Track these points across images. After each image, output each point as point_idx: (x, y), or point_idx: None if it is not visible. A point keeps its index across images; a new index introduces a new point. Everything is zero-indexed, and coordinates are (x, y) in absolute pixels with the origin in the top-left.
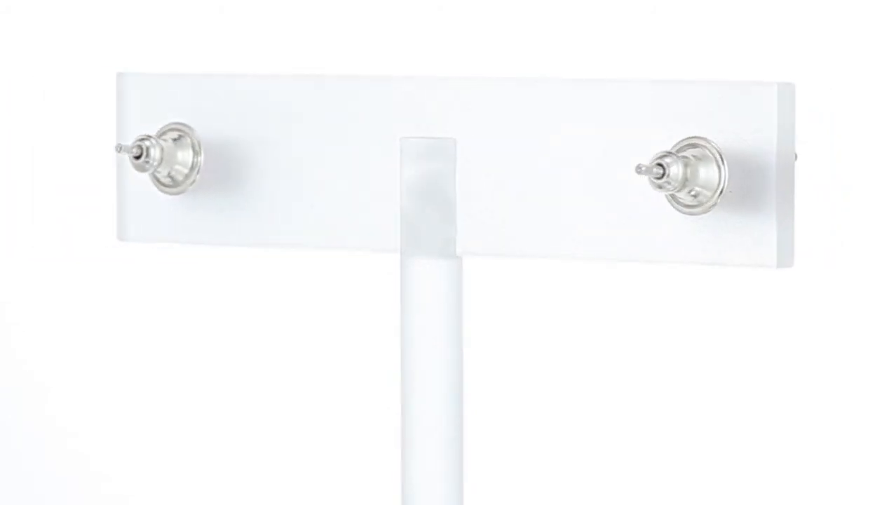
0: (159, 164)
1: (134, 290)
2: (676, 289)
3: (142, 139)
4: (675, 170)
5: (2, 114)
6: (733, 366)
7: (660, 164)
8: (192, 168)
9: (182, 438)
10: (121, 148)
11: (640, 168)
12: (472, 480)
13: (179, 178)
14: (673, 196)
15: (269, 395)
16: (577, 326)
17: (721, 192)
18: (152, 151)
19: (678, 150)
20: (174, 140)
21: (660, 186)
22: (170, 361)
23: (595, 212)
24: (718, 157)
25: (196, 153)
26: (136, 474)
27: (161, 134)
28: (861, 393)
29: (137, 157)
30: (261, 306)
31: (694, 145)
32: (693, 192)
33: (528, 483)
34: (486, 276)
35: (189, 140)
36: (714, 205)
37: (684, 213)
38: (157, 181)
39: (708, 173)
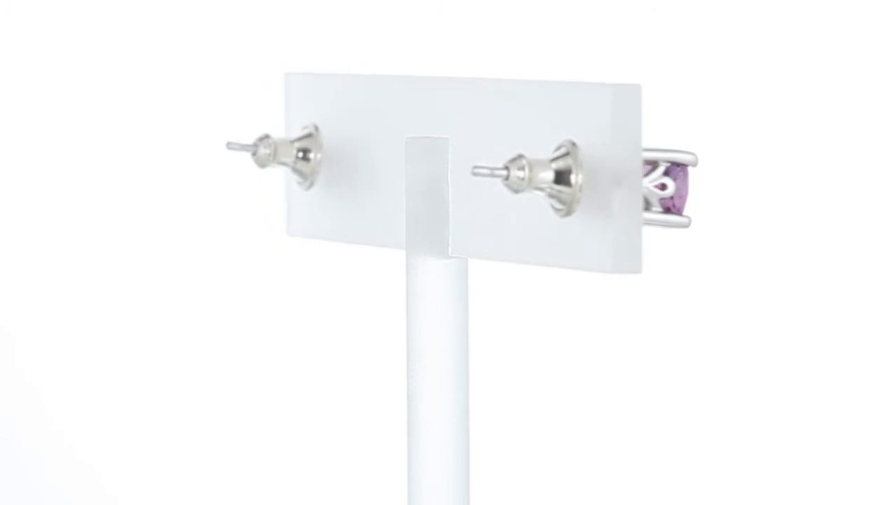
0: (272, 160)
1: (133, 286)
2: (677, 289)
3: (261, 138)
4: (516, 173)
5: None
6: (731, 367)
7: (506, 168)
8: (312, 164)
9: (185, 436)
10: (231, 146)
11: (476, 170)
12: (478, 477)
13: (307, 173)
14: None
15: (274, 391)
16: (581, 325)
17: (577, 194)
18: (265, 149)
19: (555, 151)
20: (299, 139)
21: (511, 189)
22: (171, 358)
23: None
24: (577, 159)
25: (315, 151)
26: (133, 469)
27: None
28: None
29: (254, 154)
30: (267, 304)
31: (563, 146)
32: (552, 195)
33: (534, 481)
34: (491, 274)
35: (314, 138)
36: (575, 205)
37: (557, 215)
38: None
39: (562, 176)
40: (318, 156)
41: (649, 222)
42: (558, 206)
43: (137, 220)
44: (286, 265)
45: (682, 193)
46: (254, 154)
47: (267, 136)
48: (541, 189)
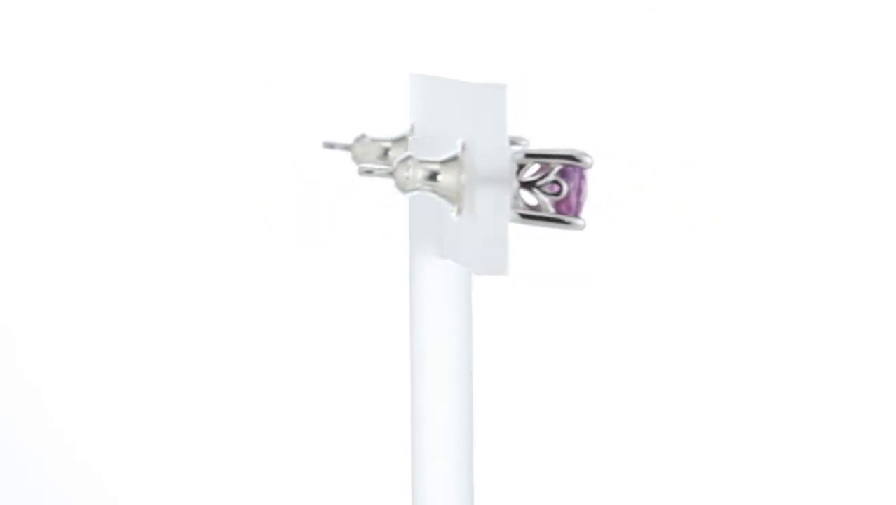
0: (360, 161)
1: (133, 288)
2: (679, 289)
3: (358, 138)
4: (402, 173)
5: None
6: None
7: (391, 168)
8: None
9: (186, 437)
10: (328, 144)
11: (361, 170)
12: (483, 477)
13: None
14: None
15: (278, 391)
16: (586, 325)
17: (460, 193)
18: (360, 149)
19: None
20: (390, 139)
21: (399, 189)
22: (171, 360)
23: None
24: (461, 160)
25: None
26: (133, 469)
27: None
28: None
29: (352, 153)
30: (273, 305)
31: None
32: (441, 195)
33: (538, 480)
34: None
35: (405, 140)
36: (461, 204)
37: (452, 213)
38: None
39: (434, 176)
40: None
41: (541, 224)
42: (450, 206)
43: (135, 222)
44: (289, 265)
45: (575, 195)
46: (351, 153)
47: (363, 136)
48: (418, 189)
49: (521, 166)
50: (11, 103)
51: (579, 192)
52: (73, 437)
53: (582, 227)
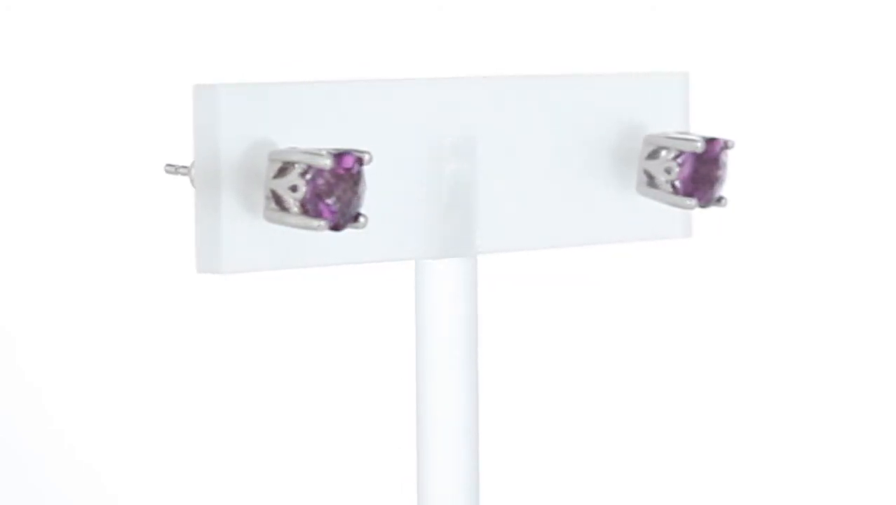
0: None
1: (142, 295)
2: (682, 288)
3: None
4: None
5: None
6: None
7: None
8: None
9: (187, 438)
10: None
11: (167, 168)
12: (488, 480)
13: None
14: None
15: (280, 392)
16: (591, 325)
17: None
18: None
19: None
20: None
21: (193, 186)
22: (174, 361)
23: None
24: None
25: None
26: (133, 469)
27: None
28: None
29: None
30: (272, 305)
31: None
32: None
33: (544, 483)
34: (501, 274)
35: None
36: None
37: None
38: None
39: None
40: None
41: (288, 224)
42: None
43: (134, 223)
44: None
45: (312, 196)
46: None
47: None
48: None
49: (283, 167)
50: (11, 104)
51: (316, 192)
52: (73, 437)
53: (321, 229)
